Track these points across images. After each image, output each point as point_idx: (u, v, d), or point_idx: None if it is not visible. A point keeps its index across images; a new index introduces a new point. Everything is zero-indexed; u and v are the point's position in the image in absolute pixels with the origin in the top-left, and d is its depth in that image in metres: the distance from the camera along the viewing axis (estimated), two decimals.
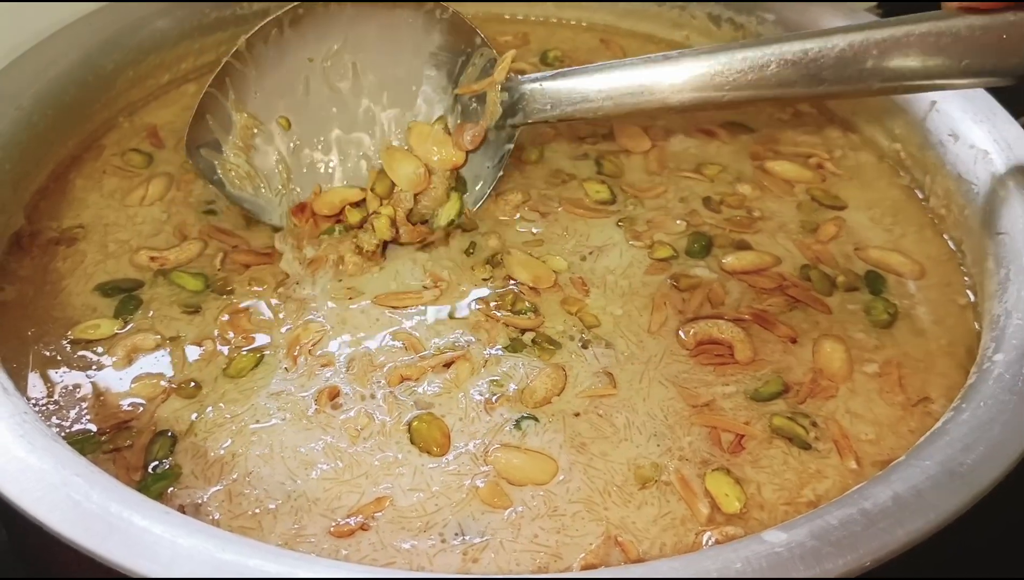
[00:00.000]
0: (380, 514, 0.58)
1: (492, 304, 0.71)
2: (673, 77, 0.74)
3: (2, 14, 0.85)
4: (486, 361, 0.67)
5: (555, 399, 0.65)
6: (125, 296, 0.71)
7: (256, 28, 0.75)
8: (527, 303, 0.71)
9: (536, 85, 0.76)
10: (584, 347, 0.68)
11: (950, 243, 0.78)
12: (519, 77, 0.77)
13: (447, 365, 0.66)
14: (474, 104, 0.78)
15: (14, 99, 0.78)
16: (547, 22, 1.05)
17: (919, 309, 0.73)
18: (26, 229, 0.76)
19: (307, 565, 0.49)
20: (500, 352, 0.68)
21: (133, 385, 0.65)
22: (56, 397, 0.64)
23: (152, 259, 0.74)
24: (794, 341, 0.69)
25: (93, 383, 0.65)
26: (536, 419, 0.63)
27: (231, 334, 0.69)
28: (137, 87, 0.89)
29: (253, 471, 0.60)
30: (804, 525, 0.51)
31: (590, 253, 0.76)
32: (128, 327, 0.69)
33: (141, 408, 0.64)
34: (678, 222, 0.79)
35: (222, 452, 0.61)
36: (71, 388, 0.65)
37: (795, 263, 0.76)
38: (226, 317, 0.70)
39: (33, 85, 0.80)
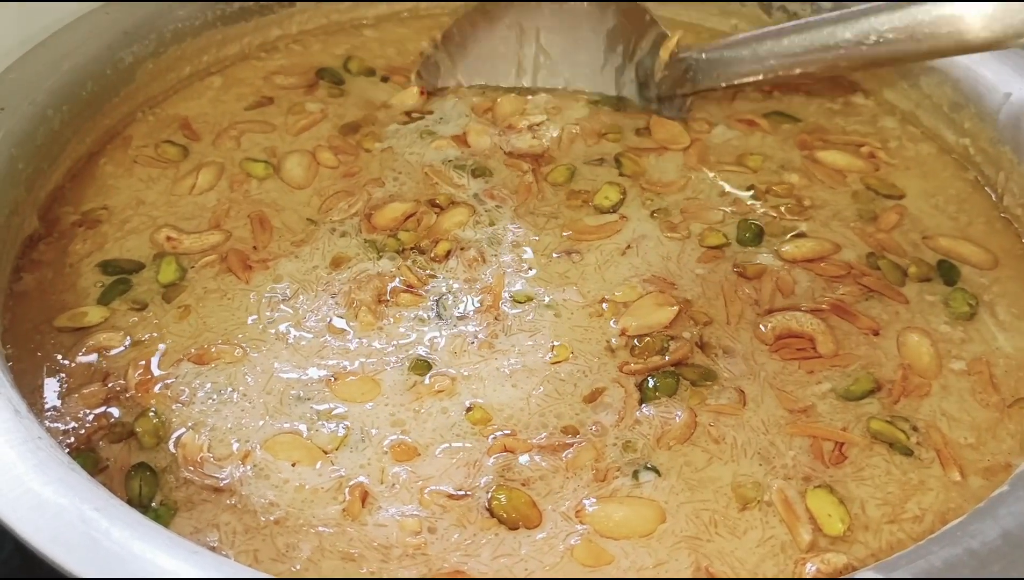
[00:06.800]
0: None
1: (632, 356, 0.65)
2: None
3: (13, 4, 0.80)
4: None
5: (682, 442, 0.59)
6: (117, 279, 0.68)
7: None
8: (664, 338, 0.65)
9: (700, 56, 0.84)
10: (715, 357, 0.64)
11: None
12: (685, 49, 0.85)
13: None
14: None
15: (27, 94, 0.73)
16: None
17: (999, 302, 0.69)
18: (40, 230, 0.72)
19: None
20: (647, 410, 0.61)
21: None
22: (60, 401, 0.61)
23: (168, 239, 0.71)
24: (876, 333, 0.66)
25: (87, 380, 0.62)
26: (658, 472, 0.57)
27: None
28: (158, 80, 0.85)
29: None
30: (903, 566, 0.46)
31: (628, 247, 0.72)
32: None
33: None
34: (715, 212, 0.75)
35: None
36: (71, 388, 0.61)
37: (858, 252, 0.72)
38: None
39: (47, 79, 0.75)
